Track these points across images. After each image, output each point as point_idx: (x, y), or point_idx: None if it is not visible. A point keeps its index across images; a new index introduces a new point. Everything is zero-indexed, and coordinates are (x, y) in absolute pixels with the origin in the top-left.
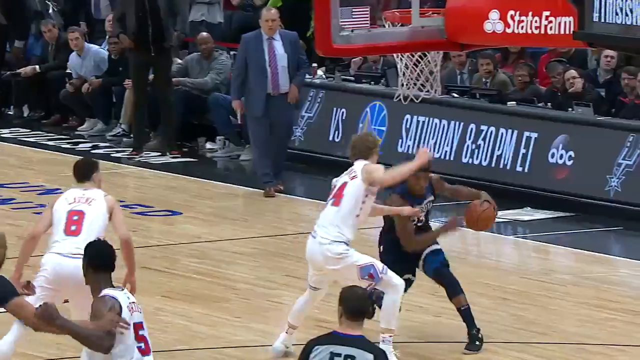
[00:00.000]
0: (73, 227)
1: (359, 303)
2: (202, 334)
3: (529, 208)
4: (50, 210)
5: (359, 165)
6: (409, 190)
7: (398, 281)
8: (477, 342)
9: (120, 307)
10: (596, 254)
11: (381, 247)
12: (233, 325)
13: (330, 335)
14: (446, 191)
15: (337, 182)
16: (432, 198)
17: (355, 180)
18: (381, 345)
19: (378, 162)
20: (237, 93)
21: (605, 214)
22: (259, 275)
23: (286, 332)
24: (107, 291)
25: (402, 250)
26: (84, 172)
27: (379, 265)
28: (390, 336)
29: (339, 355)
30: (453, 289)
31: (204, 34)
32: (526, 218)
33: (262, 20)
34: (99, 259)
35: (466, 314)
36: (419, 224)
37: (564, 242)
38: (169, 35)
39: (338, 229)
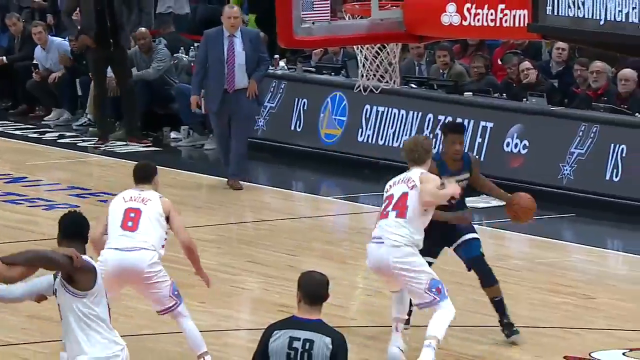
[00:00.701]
0: (130, 223)
1: (317, 288)
2: (166, 319)
3: (485, 196)
4: (107, 212)
5: (416, 173)
6: (443, 159)
7: (453, 308)
8: (513, 328)
9: (96, 270)
10: (550, 240)
11: None
12: (197, 310)
13: (289, 320)
14: (479, 180)
15: (394, 190)
16: (467, 175)
17: (415, 191)
18: (425, 349)
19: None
20: (196, 89)
21: (559, 201)
22: (222, 261)
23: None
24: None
25: (432, 233)
26: (145, 175)
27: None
28: (436, 344)
29: (297, 339)
30: (488, 279)
31: (142, 29)
32: (482, 205)
33: (224, 17)
34: (73, 228)
35: (498, 305)
36: (452, 201)
37: (518, 228)
38: (123, 31)
39: (408, 232)
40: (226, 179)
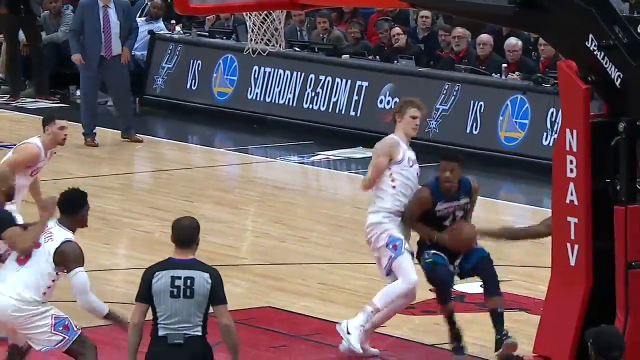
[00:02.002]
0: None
1: (185, 232)
2: None
3: (361, 147)
4: None
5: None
6: (439, 185)
7: (414, 277)
8: (500, 347)
9: None
10: (419, 186)
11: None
12: (102, 251)
13: (167, 261)
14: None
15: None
16: (467, 200)
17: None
18: (359, 314)
19: None
20: (77, 49)
21: (426, 151)
22: (124, 207)
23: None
24: None
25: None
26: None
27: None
28: (372, 311)
29: (179, 277)
30: (493, 289)
31: None
32: (359, 156)
33: None
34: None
35: (498, 318)
36: (444, 223)
37: None
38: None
39: (375, 200)
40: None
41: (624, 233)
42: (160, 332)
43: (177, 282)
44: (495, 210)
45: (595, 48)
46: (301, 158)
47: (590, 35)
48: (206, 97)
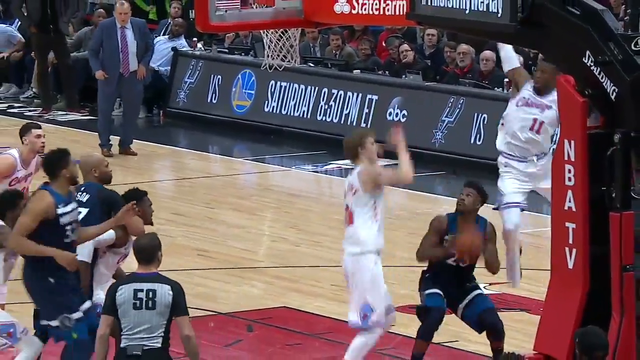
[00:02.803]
0: None
1: (146, 248)
2: None
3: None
4: None
5: (354, 176)
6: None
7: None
8: None
9: None
10: (425, 193)
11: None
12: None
13: (131, 275)
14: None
15: (346, 198)
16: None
17: (357, 195)
18: None
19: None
20: (97, 66)
21: (432, 161)
22: None
23: None
24: None
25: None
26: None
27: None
28: None
29: (141, 290)
30: (498, 340)
31: (101, 10)
32: None
33: (116, 12)
34: None
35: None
36: (461, 264)
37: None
38: (61, 19)
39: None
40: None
41: (619, 238)
42: (122, 344)
43: (140, 295)
44: (498, 216)
45: (592, 64)
46: (315, 167)
47: (587, 52)
48: (226, 110)
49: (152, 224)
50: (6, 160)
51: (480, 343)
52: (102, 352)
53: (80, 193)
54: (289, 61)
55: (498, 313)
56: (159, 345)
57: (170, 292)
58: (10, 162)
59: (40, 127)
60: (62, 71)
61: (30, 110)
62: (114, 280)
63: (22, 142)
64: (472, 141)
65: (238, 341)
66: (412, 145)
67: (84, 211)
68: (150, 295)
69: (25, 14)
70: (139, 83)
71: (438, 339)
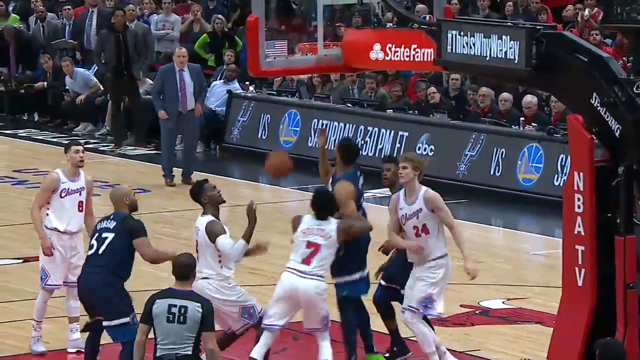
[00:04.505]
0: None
1: (184, 268)
2: (166, 279)
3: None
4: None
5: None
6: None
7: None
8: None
9: None
10: None
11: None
12: None
13: (167, 291)
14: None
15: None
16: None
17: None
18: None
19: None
20: (159, 106)
21: (456, 190)
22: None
23: None
24: None
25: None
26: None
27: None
28: None
29: (175, 305)
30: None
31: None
32: None
33: (175, 56)
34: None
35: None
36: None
37: None
38: (134, 66)
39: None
40: (214, 176)
41: (623, 259)
42: (158, 353)
43: (173, 309)
44: (514, 239)
45: (598, 104)
46: None
47: (594, 94)
48: (274, 145)
49: (224, 201)
50: (50, 176)
51: (502, 352)
52: (140, 356)
53: (108, 220)
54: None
55: (512, 325)
56: (190, 352)
57: (200, 310)
58: (53, 177)
59: (80, 144)
60: (133, 111)
61: (103, 146)
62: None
63: (66, 158)
64: (491, 172)
65: (284, 349)
66: (438, 176)
67: (110, 236)
68: (182, 312)
69: (103, 62)
70: (196, 119)
71: (462, 348)
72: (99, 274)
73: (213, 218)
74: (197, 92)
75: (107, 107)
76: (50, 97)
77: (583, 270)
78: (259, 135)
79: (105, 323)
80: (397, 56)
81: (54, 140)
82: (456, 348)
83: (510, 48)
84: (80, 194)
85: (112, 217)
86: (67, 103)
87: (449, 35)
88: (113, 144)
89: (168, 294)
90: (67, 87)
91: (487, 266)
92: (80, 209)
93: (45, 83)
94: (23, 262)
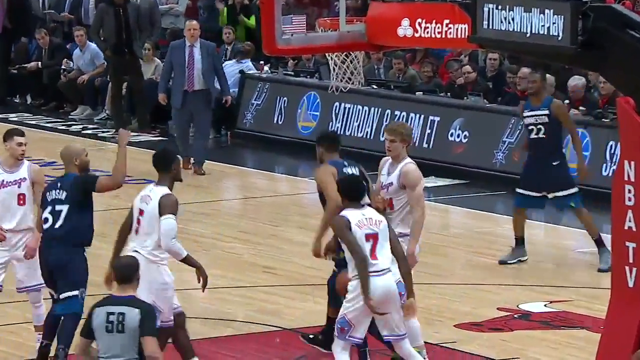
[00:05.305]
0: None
1: (125, 270)
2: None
3: (433, 177)
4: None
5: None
6: None
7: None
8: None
9: None
10: (485, 212)
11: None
12: (193, 271)
13: (108, 298)
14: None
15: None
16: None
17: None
18: None
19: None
20: (162, 88)
21: (493, 181)
22: (216, 231)
23: None
24: None
25: None
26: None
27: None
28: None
29: (112, 313)
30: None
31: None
32: (431, 185)
33: (186, 29)
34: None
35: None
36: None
37: (459, 203)
38: (136, 43)
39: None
40: (219, 163)
41: None
42: None
43: (111, 317)
44: (557, 236)
45: None
46: None
47: None
48: (291, 131)
49: (181, 180)
50: None
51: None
52: None
53: (57, 190)
54: (353, 83)
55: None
56: None
57: (139, 315)
58: None
59: (23, 135)
60: (134, 94)
61: (103, 132)
62: None
63: (5, 147)
64: None
65: (303, 357)
66: (473, 166)
67: (64, 208)
68: (120, 319)
69: (102, 38)
70: (205, 103)
71: (498, 355)
72: (57, 247)
73: (170, 192)
74: (208, 72)
75: (107, 89)
76: (46, 76)
77: (634, 269)
78: (275, 120)
79: (56, 297)
80: (427, 32)
81: (48, 125)
82: (492, 355)
83: (553, 23)
84: (19, 186)
85: (59, 184)
86: (64, 83)
87: (485, 9)
88: (113, 130)
89: (107, 302)
90: (63, 67)
91: (526, 265)
92: (22, 202)
93: (40, 63)
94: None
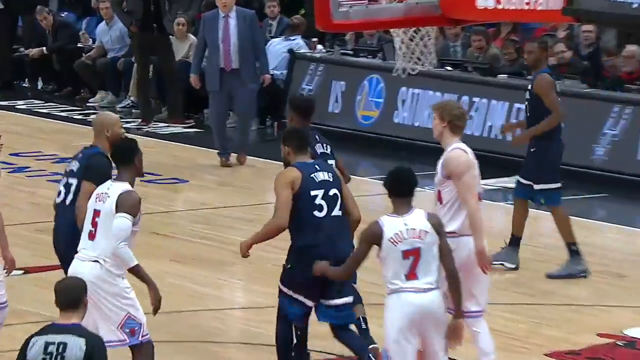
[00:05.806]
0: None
1: (69, 294)
2: (207, 296)
3: (518, 177)
4: None
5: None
6: None
7: None
8: None
9: None
10: (582, 219)
11: None
12: (237, 287)
13: (48, 326)
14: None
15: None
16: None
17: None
18: None
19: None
20: (194, 69)
21: (591, 181)
22: None
23: None
24: None
25: None
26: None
27: None
28: None
29: (53, 343)
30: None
31: None
32: (513, 186)
33: None
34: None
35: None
36: None
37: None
38: (166, 17)
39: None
40: (258, 158)
41: None
42: None
43: (50, 348)
44: None
45: None
46: None
47: None
48: (349, 121)
49: (142, 175)
50: None
51: None
52: None
53: (75, 161)
54: (423, 64)
55: None
56: None
57: (84, 347)
58: None
59: None
60: (165, 77)
61: (127, 122)
62: None
63: None
64: (639, 158)
65: None
66: (567, 163)
67: (74, 182)
68: (60, 350)
69: (126, 11)
70: (245, 83)
71: None
72: (64, 226)
73: (132, 189)
74: (247, 44)
75: (132, 72)
76: (57, 61)
77: None
78: (330, 108)
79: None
80: (512, 4)
81: (63, 114)
82: None
83: None
84: None
85: (80, 155)
86: (81, 64)
87: None
88: (140, 120)
89: (48, 330)
90: (81, 45)
91: (632, 282)
92: None
93: (45, 48)
94: (23, 273)
